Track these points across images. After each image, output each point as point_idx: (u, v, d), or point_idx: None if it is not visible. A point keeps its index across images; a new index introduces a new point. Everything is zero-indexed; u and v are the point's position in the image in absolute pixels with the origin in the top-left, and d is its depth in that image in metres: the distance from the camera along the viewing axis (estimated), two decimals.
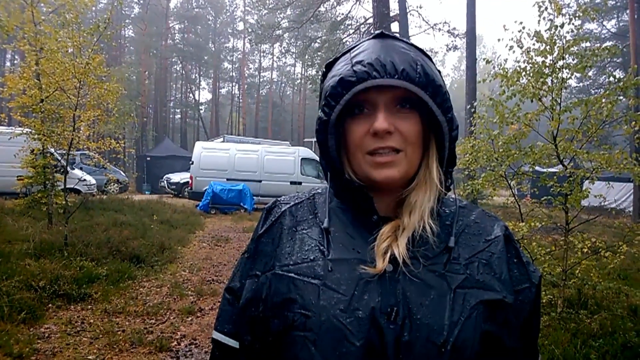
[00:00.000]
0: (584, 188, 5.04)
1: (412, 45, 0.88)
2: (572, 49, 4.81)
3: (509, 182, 5.56)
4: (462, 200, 0.98)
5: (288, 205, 0.98)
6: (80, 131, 8.18)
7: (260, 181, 16.93)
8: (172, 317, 5.19)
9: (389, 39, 0.87)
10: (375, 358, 0.75)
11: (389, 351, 0.75)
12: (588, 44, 5.68)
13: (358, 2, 21.08)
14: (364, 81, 0.80)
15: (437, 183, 0.87)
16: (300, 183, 16.80)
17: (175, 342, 4.51)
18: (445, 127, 0.84)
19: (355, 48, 0.87)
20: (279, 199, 1.02)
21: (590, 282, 5.13)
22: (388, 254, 0.81)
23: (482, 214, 0.95)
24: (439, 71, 0.88)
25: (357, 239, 0.86)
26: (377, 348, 0.75)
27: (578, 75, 5.04)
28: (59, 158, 9.34)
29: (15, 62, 34.57)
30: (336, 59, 0.90)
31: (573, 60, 4.95)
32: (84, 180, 13.15)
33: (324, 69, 0.93)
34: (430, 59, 0.89)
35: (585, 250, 4.81)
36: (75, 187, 11.54)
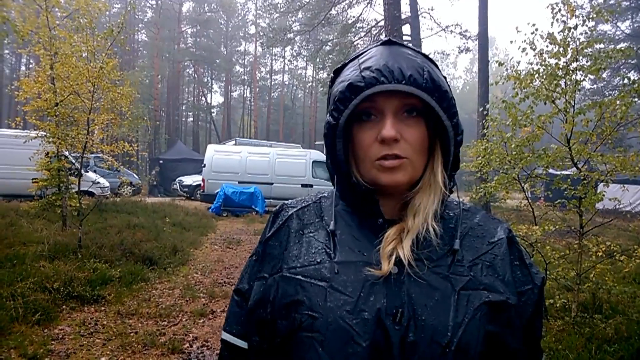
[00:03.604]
0: (598, 191, 4.98)
1: (418, 52, 0.90)
2: (585, 50, 4.77)
3: (522, 185, 5.51)
4: (466, 204, 1.00)
5: (295, 209, 1.00)
6: (94, 134, 8.27)
7: (271, 184, 16.96)
8: (184, 319, 5.22)
9: (396, 46, 0.90)
10: (381, 358, 0.77)
11: (394, 351, 0.76)
12: (602, 46, 5.63)
13: (369, 5, 21.08)
14: (372, 86, 0.82)
15: (442, 186, 0.89)
16: (311, 186, 16.81)
17: (187, 344, 4.54)
18: (450, 132, 0.86)
19: (364, 54, 0.90)
20: (286, 202, 1.04)
21: (605, 286, 5.06)
22: (393, 256, 0.83)
23: (485, 217, 0.96)
24: (445, 77, 0.90)
25: (363, 241, 0.88)
26: (382, 348, 0.77)
27: (592, 77, 4.98)
28: (73, 161, 9.44)
29: (31, 66, 35.07)
30: (344, 65, 0.93)
31: (587, 62, 4.90)
32: (98, 182, 13.28)
33: (333, 75, 0.95)
34: (436, 65, 0.91)
35: (600, 253, 4.76)
36: (89, 189, 11.69)
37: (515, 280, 0.87)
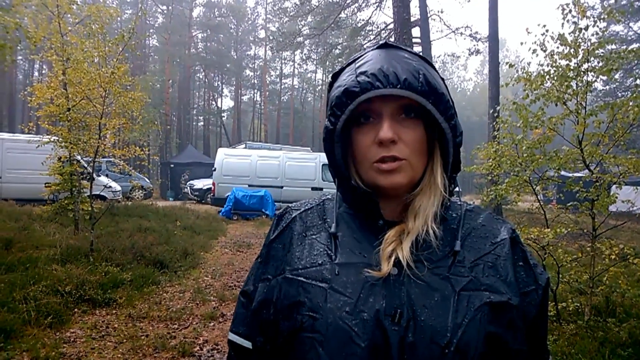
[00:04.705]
0: (611, 193, 4.92)
1: (415, 54, 0.91)
2: (597, 51, 4.73)
3: (534, 187, 5.46)
4: (470, 204, 1.00)
5: (298, 212, 1.01)
6: (106, 139, 8.34)
7: (281, 187, 16.98)
8: (194, 322, 5.24)
9: (392, 49, 0.90)
10: (380, 359, 0.77)
11: (393, 352, 0.77)
12: (614, 46, 5.58)
13: (379, 8, 21.06)
14: (367, 91, 0.83)
15: (441, 188, 0.89)
16: (321, 189, 16.78)
17: (197, 347, 4.55)
18: (449, 134, 0.87)
19: (360, 59, 0.91)
20: (290, 205, 1.05)
21: (618, 290, 5.00)
22: (393, 258, 0.83)
23: (489, 217, 0.96)
24: (443, 79, 0.91)
25: (364, 243, 0.89)
26: (381, 349, 0.77)
27: (604, 78, 4.94)
28: (85, 165, 9.53)
29: (43, 72, 35.50)
30: (342, 69, 0.94)
31: (598, 63, 4.86)
32: (110, 186, 13.43)
33: (331, 79, 0.96)
34: (434, 68, 0.91)
35: (613, 256, 4.70)
36: (101, 193, 11.76)
37: (518, 281, 0.87)
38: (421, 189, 0.89)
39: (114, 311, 5.33)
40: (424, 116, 0.86)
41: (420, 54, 0.93)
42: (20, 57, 35.59)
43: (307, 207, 1.02)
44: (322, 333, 0.80)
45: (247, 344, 0.97)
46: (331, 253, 0.88)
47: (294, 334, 0.84)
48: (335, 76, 0.94)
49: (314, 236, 0.94)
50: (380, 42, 0.93)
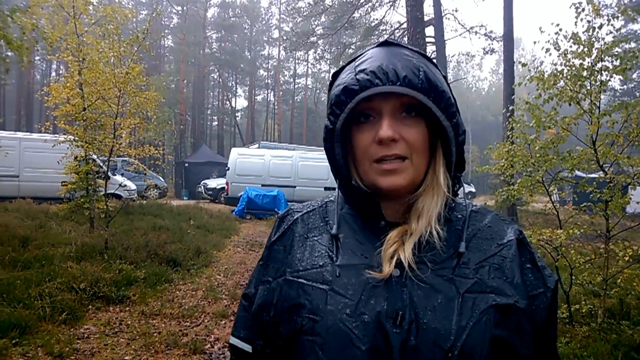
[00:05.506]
0: (626, 194, 4.86)
1: (416, 51, 0.88)
2: (611, 50, 4.66)
3: (547, 188, 5.41)
4: (476, 205, 0.97)
5: (300, 213, 1.00)
6: (121, 138, 8.45)
7: (294, 187, 17.03)
8: (206, 320, 5.28)
9: (393, 47, 0.88)
10: None
11: (394, 355, 0.74)
12: (633, 45, 5.50)
13: (392, 7, 20.94)
14: (366, 89, 0.81)
15: (445, 188, 0.87)
16: (334, 188, 16.56)
17: (208, 345, 4.60)
18: (450, 132, 0.84)
19: (360, 57, 0.88)
20: (292, 207, 1.04)
21: (633, 292, 4.94)
22: (394, 259, 0.81)
23: (495, 219, 0.93)
24: (445, 77, 0.89)
25: (366, 244, 0.87)
26: (383, 352, 0.75)
27: (622, 77, 4.87)
28: (101, 164, 9.65)
29: (60, 72, 35.98)
30: (342, 68, 0.91)
31: (613, 62, 4.79)
32: (125, 185, 13.54)
33: (331, 79, 0.94)
34: (435, 65, 0.89)
35: (627, 258, 4.63)
36: (116, 192, 11.92)
37: (526, 284, 0.84)
38: (424, 190, 0.87)
39: (127, 308, 5.41)
40: (425, 114, 0.84)
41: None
42: (37, 58, 36.20)
43: (309, 209, 1.01)
44: (322, 336, 0.78)
45: (247, 347, 0.96)
46: (332, 255, 0.86)
47: (293, 337, 0.82)
48: (336, 75, 0.92)
49: (315, 238, 0.92)
50: (381, 40, 0.91)
